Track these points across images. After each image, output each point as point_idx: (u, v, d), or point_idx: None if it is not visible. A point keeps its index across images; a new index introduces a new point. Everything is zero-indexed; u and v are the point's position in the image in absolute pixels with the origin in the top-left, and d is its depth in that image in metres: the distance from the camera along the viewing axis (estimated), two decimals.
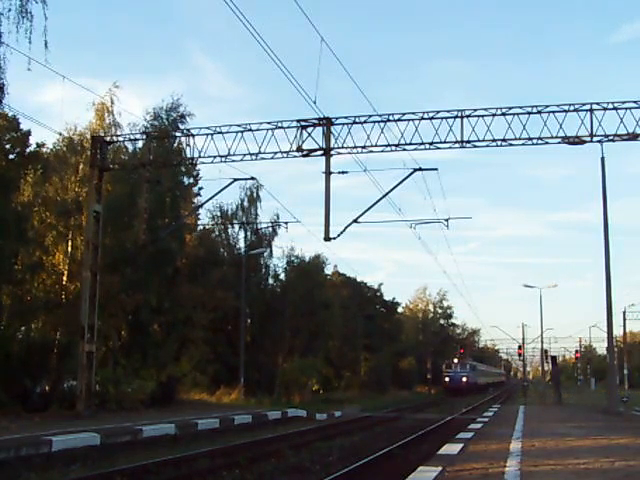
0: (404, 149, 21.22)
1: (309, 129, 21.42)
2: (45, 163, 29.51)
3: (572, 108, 20.25)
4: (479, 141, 20.75)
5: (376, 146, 21.26)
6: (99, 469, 12.41)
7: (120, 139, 26.97)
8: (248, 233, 41.34)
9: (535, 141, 20.64)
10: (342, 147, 21.40)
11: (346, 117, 21.44)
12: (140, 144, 28.51)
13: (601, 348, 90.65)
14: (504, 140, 20.70)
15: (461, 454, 12.23)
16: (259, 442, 17.89)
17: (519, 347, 65.81)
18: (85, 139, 28.86)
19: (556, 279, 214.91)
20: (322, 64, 18.39)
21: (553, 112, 20.33)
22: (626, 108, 19.97)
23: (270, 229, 41.40)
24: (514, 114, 20.64)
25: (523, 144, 20.87)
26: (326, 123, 21.28)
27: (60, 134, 28.29)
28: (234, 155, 21.95)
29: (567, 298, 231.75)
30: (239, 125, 21.96)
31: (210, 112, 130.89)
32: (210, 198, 26.91)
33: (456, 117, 20.82)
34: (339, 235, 21.51)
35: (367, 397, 49.51)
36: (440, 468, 10.13)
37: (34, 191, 29.15)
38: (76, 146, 29.05)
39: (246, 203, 40.41)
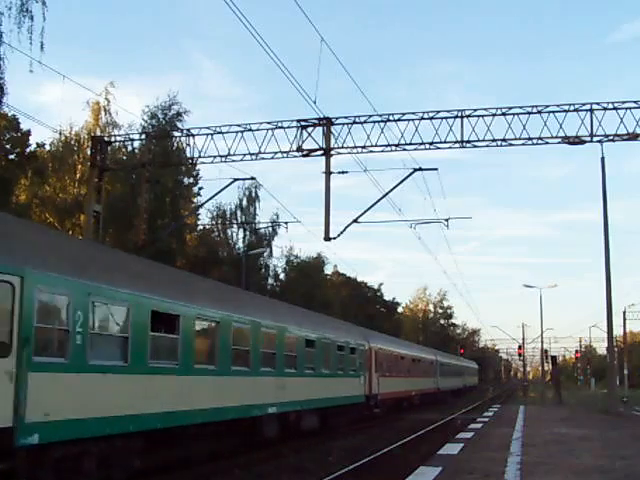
0: (404, 149, 21.23)
1: (309, 129, 21.44)
2: (43, 163, 29.54)
3: (572, 108, 20.25)
4: (479, 141, 20.76)
5: (376, 146, 21.28)
6: None
7: (119, 139, 26.97)
8: (247, 233, 41.35)
9: (535, 141, 20.65)
10: (342, 147, 21.41)
11: (346, 117, 21.47)
12: (139, 144, 28.53)
13: (601, 348, 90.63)
14: (504, 140, 20.70)
15: (461, 454, 12.22)
16: None
17: (519, 347, 65.71)
18: (82, 138, 28.87)
19: (556, 279, 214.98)
20: (322, 64, 18.44)
21: (553, 112, 20.33)
22: (626, 108, 19.98)
23: (270, 229, 41.41)
24: (514, 114, 20.64)
25: (523, 144, 20.88)
26: (326, 123, 21.29)
27: (60, 133, 28.29)
28: (234, 155, 21.96)
29: (567, 298, 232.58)
30: (239, 125, 21.99)
31: (210, 112, 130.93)
32: (210, 198, 26.90)
33: (456, 117, 20.82)
34: (339, 235, 21.52)
35: None
36: (440, 468, 10.12)
37: (33, 191, 29.16)
38: (73, 146, 29.07)
39: (245, 203, 40.42)
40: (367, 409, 25.15)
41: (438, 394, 43.17)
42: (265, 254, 42.05)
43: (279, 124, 21.58)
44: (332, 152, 21.36)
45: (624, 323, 60.75)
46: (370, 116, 21.21)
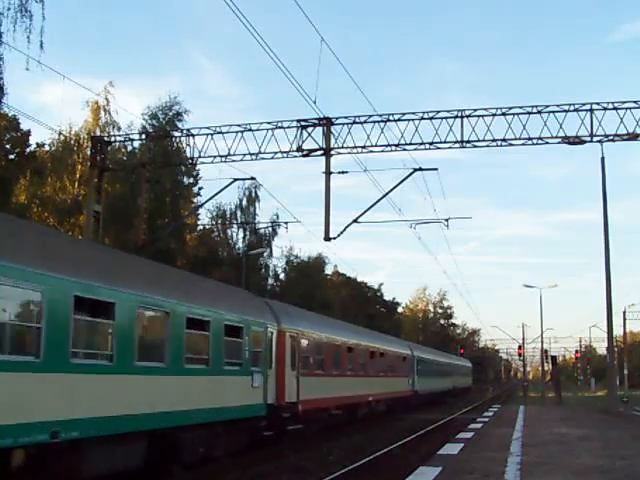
0: (404, 149, 21.21)
1: (309, 129, 21.42)
2: (43, 163, 29.57)
3: (572, 108, 20.23)
4: (479, 141, 20.73)
5: (376, 146, 21.26)
6: None
7: (119, 139, 26.97)
8: (247, 233, 41.41)
9: (535, 141, 20.62)
10: (342, 147, 21.40)
11: (346, 117, 21.45)
12: (139, 144, 28.55)
13: (601, 348, 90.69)
14: (504, 140, 20.68)
15: (461, 454, 12.22)
16: None
17: (519, 347, 65.72)
18: (82, 138, 28.88)
19: (556, 279, 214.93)
20: (322, 64, 18.38)
21: (553, 112, 20.31)
22: (626, 108, 19.95)
23: (270, 229, 41.47)
24: (514, 114, 20.62)
25: (523, 144, 20.86)
26: (326, 123, 21.27)
27: (60, 133, 28.30)
28: (234, 155, 21.94)
29: (567, 298, 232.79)
30: (239, 125, 21.97)
31: (210, 112, 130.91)
32: (210, 198, 26.89)
33: (456, 117, 20.80)
34: (339, 235, 21.50)
35: None
36: (440, 468, 10.12)
37: (33, 191, 29.17)
38: (72, 146, 29.10)
39: (245, 203, 40.49)
40: (273, 426, 16.36)
41: (414, 398, 34.84)
42: (265, 254, 42.12)
43: (279, 124, 21.57)
44: (332, 152, 21.34)
45: (624, 323, 60.88)
46: (370, 116, 21.20)
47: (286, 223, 33.44)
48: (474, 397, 56.08)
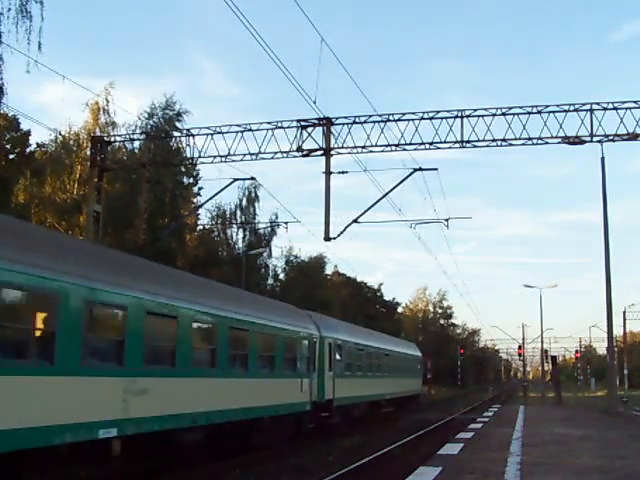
0: (404, 149, 21.22)
1: (309, 129, 21.42)
2: (42, 163, 29.58)
3: (572, 108, 20.23)
4: (479, 141, 20.73)
5: (376, 146, 21.26)
6: None
7: (119, 139, 26.96)
8: (247, 233, 41.40)
9: (535, 141, 20.63)
10: (342, 147, 21.40)
11: (346, 117, 21.45)
12: (139, 144, 28.55)
13: (601, 348, 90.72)
14: (504, 140, 20.68)
15: (461, 454, 12.22)
16: None
17: (519, 347, 65.72)
18: (81, 138, 28.88)
19: (556, 279, 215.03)
20: (322, 64, 18.41)
21: (553, 112, 20.32)
22: (626, 108, 19.96)
23: (269, 229, 41.46)
24: (514, 114, 20.62)
25: (523, 144, 20.85)
26: (326, 123, 21.27)
27: (60, 133, 28.31)
28: (234, 155, 21.94)
29: (567, 298, 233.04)
30: (239, 125, 21.97)
31: (210, 112, 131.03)
32: (210, 198, 26.88)
33: (456, 117, 20.80)
34: (339, 235, 21.51)
35: None
36: (440, 468, 10.12)
37: (32, 191, 29.17)
38: (72, 146, 29.10)
39: (245, 203, 40.49)
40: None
41: None
42: (265, 254, 42.11)
43: (279, 124, 21.56)
44: (332, 152, 21.33)
45: (624, 323, 60.91)
46: (370, 116, 21.20)
47: (286, 223, 33.43)
48: (473, 398, 55.76)
